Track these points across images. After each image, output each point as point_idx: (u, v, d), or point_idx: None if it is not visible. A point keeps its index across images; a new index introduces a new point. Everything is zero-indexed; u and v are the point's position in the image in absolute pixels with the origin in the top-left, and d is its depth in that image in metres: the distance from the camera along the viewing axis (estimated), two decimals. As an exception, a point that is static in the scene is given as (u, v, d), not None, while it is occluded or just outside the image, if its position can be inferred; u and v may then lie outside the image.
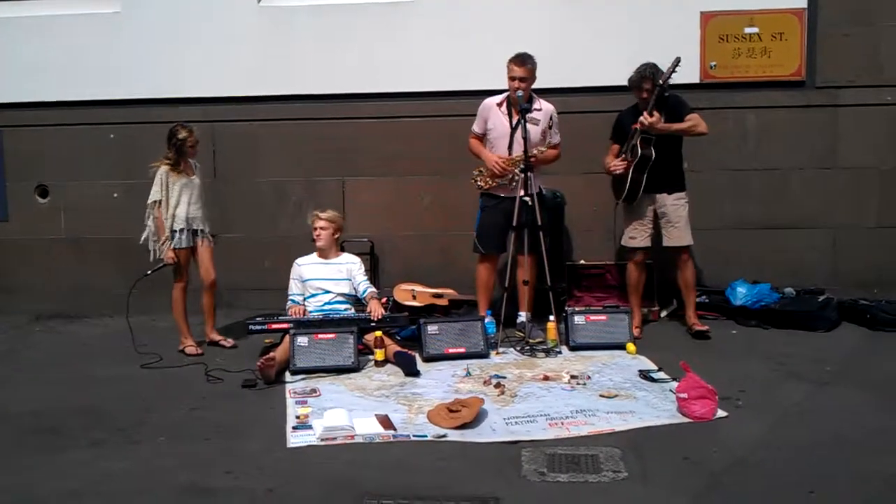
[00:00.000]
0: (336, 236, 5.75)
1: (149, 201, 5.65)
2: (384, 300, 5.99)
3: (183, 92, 6.95)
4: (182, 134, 5.62)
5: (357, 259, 5.85)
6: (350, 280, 5.68)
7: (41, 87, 7.09)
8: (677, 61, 5.49)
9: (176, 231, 5.64)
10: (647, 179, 5.64)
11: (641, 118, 5.52)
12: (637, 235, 5.83)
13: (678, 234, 5.76)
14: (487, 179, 5.73)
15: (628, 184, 5.68)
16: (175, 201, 5.63)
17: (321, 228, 5.68)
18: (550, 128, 5.72)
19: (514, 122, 5.60)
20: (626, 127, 5.77)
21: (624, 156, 5.74)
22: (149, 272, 5.68)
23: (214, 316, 5.97)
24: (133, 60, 6.99)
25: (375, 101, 6.92)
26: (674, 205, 5.73)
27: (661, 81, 5.51)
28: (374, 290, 5.71)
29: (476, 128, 5.83)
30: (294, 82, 6.94)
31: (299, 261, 5.77)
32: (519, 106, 5.47)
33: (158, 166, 5.64)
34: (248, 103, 7.00)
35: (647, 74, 5.57)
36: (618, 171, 5.74)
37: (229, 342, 5.88)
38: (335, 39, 6.88)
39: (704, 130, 5.69)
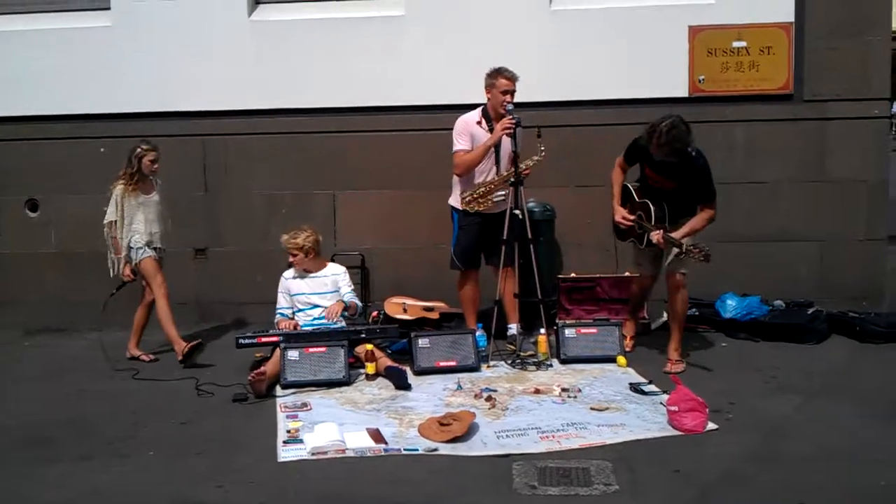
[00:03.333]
0: (311, 257, 5.63)
1: (104, 221, 5.73)
2: (375, 314, 5.98)
3: (173, 106, 6.92)
4: (137, 151, 5.73)
5: (342, 268, 5.81)
6: (338, 292, 5.65)
7: (31, 101, 7.08)
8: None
9: (134, 248, 5.73)
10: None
11: (656, 237, 5.19)
12: (643, 262, 5.66)
13: (674, 260, 5.39)
14: (482, 201, 5.62)
15: (635, 239, 5.58)
16: (131, 220, 5.72)
17: (293, 256, 5.62)
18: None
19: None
20: (641, 154, 5.39)
21: (634, 215, 5.50)
22: (113, 292, 5.79)
23: (142, 333, 6.00)
24: (124, 74, 6.98)
25: (366, 114, 6.90)
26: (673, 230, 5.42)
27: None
28: (356, 300, 5.66)
29: (466, 145, 5.61)
30: (284, 96, 6.93)
31: (286, 274, 5.73)
32: (514, 119, 5.39)
33: (115, 186, 5.72)
34: (238, 117, 6.97)
35: (656, 133, 5.02)
36: (624, 226, 5.54)
37: (149, 357, 5.91)
38: (325, 54, 6.88)
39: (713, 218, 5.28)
